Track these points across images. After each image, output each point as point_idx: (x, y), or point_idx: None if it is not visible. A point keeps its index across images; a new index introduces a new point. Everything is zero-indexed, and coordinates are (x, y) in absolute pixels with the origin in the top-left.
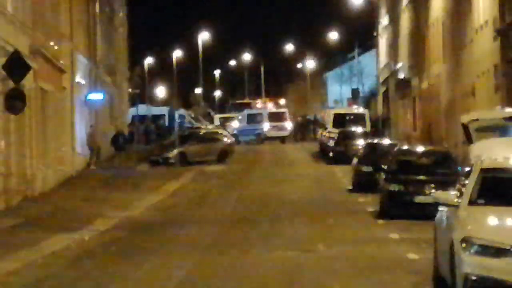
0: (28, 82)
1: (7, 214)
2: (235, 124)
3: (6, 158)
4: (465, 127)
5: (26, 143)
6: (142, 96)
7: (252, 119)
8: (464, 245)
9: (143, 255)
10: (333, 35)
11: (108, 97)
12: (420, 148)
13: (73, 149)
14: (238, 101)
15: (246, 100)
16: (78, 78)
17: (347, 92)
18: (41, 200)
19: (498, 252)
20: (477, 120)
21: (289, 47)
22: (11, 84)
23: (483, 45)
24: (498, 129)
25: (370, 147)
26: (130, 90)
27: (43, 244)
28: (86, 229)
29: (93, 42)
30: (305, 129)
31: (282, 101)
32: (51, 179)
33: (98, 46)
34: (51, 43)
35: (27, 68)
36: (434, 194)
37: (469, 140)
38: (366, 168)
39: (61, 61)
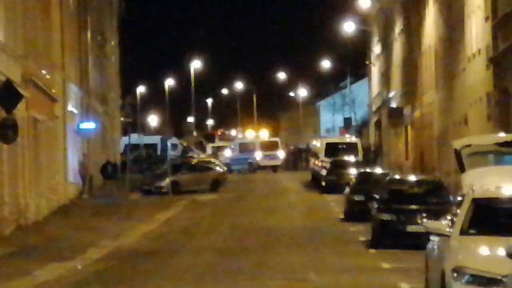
0: (20, 111)
1: (0, 243)
2: (227, 153)
3: None
4: (457, 153)
5: (19, 172)
6: (134, 124)
7: (244, 148)
8: (455, 274)
9: (136, 283)
10: (326, 64)
11: (100, 126)
12: (412, 177)
13: (65, 178)
14: (204, 132)
15: (211, 131)
16: (70, 107)
17: (339, 121)
18: (34, 229)
19: (489, 282)
20: (469, 145)
21: (282, 76)
22: (3, 113)
23: (476, 74)
24: (491, 155)
25: (362, 176)
26: (122, 118)
27: (36, 273)
28: (79, 258)
29: (85, 70)
30: (297, 158)
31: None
32: (44, 208)
33: (90, 74)
34: (43, 72)
35: (20, 97)
36: (425, 223)
37: (461, 167)
38: (358, 197)
39: (53, 90)
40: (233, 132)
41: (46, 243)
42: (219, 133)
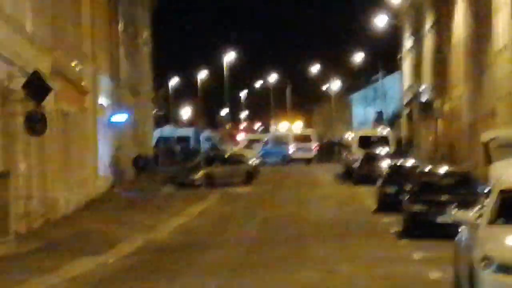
0: (49, 104)
1: (28, 237)
2: (260, 146)
3: (27, 181)
4: (485, 145)
5: (48, 166)
6: (166, 117)
7: (278, 141)
8: (483, 263)
9: (168, 278)
10: (358, 57)
11: (132, 118)
12: (442, 169)
13: (96, 171)
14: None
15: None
16: (101, 99)
17: (371, 114)
18: (63, 223)
19: None
20: (496, 138)
21: (315, 69)
22: (31, 105)
23: (503, 68)
24: None
25: (394, 169)
26: (154, 111)
27: (66, 268)
28: (109, 252)
29: (116, 62)
30: (330, 150)
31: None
32: (73, 202)
33: (121, 66)
34: (73, 64)
35: (48, 89)
36: (454, 214)
37: (488, 159)
38: (390, 189)
39: (83, 82)
40: (256, 126)
41: (76, 237)
42: (237, 130)
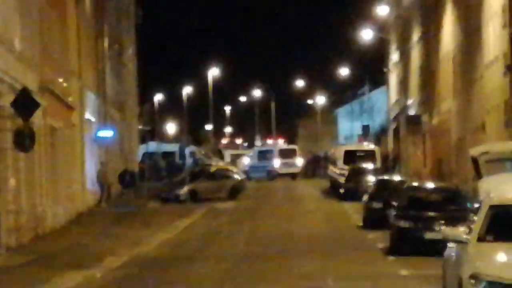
0: (37, 120)
1: (18, 251)
2: (245, 161)
3: (16, 195)
4: (474, 160)
5: (36, 181)
6: (152, 132)
7: (263, 155)
8: (472, 281)
9: None
10: (344, 71)
11: (117, 134)
12: (430, 185)
13: (83, 186)
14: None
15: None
16: (88, 115)
17: (357, 128)
18: (51, 238)
19: None
20: (486, 153)
21: (300, 83)
22: (20, 122)
23: (493, 81)
24: (508, 162)
25: (381, 184)
26: (140, 126)
27: (54, 281)
28: (97, 266)
29: (102, 78)
30: (316, 165)
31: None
32: (61, 216)
33: (107, 82)
34: (60, 80)
35: (36, 105)
36: (443, 230)
37: (478, 174)
38: (376, 205)
39: (70, 98)
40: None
41: (64, 251)
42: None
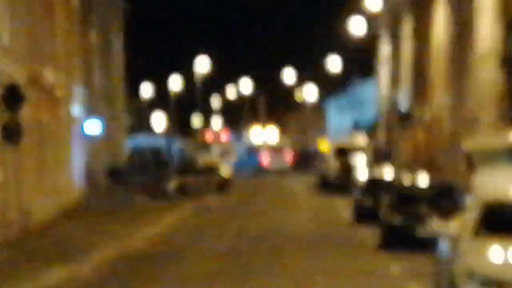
0: (24, 113)
1: (5, 246)
2: (234, 156)
3: (3, 190)
4: (467, 154)
5: (24, 175)
6: (139, 127)
7: (251, 150)
8: (465, 278)
9: (143, 287)
10: (334, 65)
11: (105, 128)
12: (421, 180)
13: (71, 181)
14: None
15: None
16: (75, 109)
17: (347, 123)
18: (39, 232)
19: (499, 285)
20: (480, 146)
21: (289, 76)
22: (7, 116)
23: (486, 74)
24: (501, 156)
25: (371, 179)
26: (127, 121)
27: (42, 276)
28: (85, 261)
29: (89, 72)
30: (305, 161)
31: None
32: (49, 211)
33: (94, 76)
34: (47, 74)
35: (24, 99)
36: (435, 226)
37: (471, 168)
38: (367, 201)
39: (57, 92)
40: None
41: (52, 246)
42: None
